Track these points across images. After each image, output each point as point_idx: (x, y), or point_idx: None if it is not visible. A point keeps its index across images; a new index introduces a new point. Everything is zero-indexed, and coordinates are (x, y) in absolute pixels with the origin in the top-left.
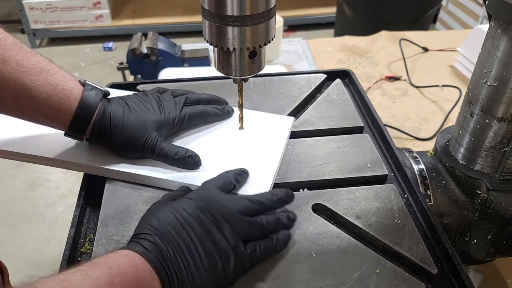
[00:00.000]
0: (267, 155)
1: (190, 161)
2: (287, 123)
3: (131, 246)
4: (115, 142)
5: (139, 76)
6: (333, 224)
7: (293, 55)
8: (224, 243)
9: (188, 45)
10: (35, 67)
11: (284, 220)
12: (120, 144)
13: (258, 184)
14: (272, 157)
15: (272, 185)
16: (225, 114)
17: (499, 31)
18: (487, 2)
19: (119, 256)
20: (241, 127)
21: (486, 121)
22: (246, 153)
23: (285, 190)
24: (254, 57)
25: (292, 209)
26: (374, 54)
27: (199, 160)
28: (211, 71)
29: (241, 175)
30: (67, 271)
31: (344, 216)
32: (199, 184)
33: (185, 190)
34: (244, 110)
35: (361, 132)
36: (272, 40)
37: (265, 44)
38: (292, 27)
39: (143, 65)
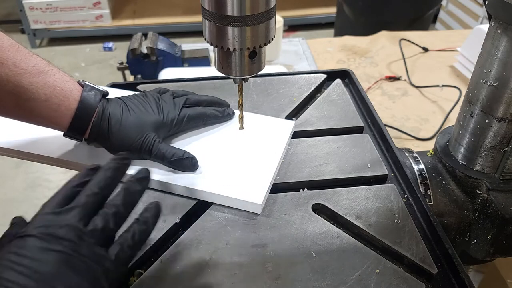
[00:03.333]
0: (265, 160)
1: (187, 163)
2: (287, 127)
3: None
4: (112, 143)
5: (139, 76)
6: (333, 224)
7: (293, 55)
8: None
9: (188, 45)
10: (33, 69)
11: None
12: (117, 145)
13: (251, 193)
14: (269, 163)
15: (267, 194)
16: (225, 116)
17: (499, 31)
18: (487, 2)
19: None
20: (241, 127)
21: (486, 121)
22: (244, 157)
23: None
24: (254, 57)
25: (292, 209)
26: (374, 54)
27: (196, 162)
28: (211, 71)
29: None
30: None
31: (344, 216)
32: (196, 186)
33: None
34: (245, 113)
35: (361, 132)
36: (272, 40)
37: (265, 44)
38: (292, 27)
39: (143, 65)
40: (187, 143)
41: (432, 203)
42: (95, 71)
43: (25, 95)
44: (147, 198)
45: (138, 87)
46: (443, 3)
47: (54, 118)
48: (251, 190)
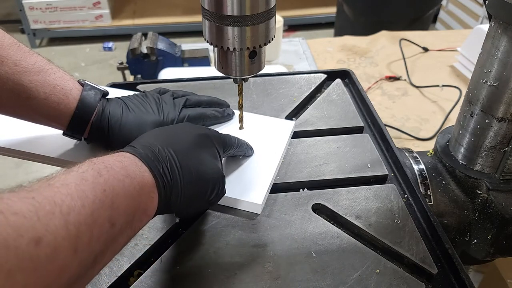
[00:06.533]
0: (265, 160)
1: None
2: (287, 127)
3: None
4: (112, 142)
5: (139, 76)
6: (333, 224)
7: (293, 55)
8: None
9: (188, 45)
10: (33, 67)
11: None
12: (117, 145)
13: (252, 193)
14: (270, 163)
15: (267, 194)
16: (225, 116)
17: (499, 31)
18: (487, 2)
19: (103, 157)
20: (241, 127)
21: (486, 121)
22: (244, 157)
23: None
24: (254, 57)
25: (292, 209)
26: (374, 54)
27: None
28: (211, 71)
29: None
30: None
31: (344, 216)
32: None
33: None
34: (245, 113)
35: (361, 132)
36: (272, 40)
37: (265, 44)
38: (292, 27)
39: (143, 65)
40: None
41: (432, 203)
42: (95, 71)
43: (25, 93)
44: None
45: (138, 87)
46: (443, 3)
47: (54, 117)
48: (251, 190)
